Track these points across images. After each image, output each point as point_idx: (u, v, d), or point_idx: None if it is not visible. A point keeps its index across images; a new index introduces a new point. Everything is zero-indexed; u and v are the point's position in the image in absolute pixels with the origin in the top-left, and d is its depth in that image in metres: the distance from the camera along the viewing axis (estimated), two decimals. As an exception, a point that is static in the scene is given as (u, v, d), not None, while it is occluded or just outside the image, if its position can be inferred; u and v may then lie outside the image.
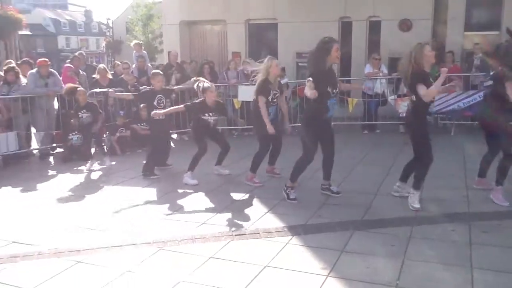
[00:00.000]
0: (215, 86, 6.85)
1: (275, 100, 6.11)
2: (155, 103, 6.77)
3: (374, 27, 12.21)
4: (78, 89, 7.99)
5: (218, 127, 6.93)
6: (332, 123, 5.63)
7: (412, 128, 5.12)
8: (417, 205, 4.92)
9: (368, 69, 10.15)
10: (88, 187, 6.62)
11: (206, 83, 6.43)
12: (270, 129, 5.91)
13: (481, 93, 9.10)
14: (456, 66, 10.05)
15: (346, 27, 12.50)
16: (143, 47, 12.58)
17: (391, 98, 9.78)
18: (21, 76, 8.54)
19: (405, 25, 11.72)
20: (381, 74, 9.98)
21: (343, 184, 6.04)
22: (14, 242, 4.54)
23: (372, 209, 5.13)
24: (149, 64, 11.66)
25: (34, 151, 8.85)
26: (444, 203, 5.16)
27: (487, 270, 3.63)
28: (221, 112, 6.70)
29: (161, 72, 7.34)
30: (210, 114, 6.35)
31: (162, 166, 7.21)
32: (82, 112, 8.06)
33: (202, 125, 6.36)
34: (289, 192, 5.45)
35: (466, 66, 10.58)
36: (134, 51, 11.73)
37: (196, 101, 6.49)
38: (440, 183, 5.82)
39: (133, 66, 10.71)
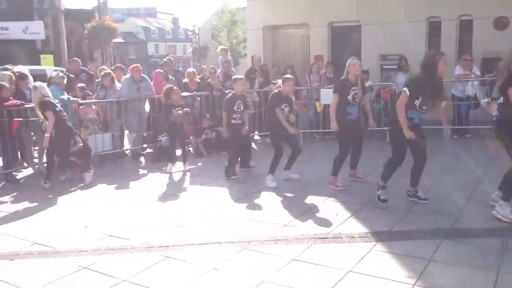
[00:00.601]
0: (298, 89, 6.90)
1: (356, 99, 6.03)
2: (235, 108, 7.00)
3: (465, 27, 11.56)
4: (174, 88, 8.30)
5: (296, 131, 6.92)
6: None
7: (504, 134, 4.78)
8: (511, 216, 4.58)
9: (458, 70, 9.64)
10: (176, 186, 6.94)
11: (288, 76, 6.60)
12: (334, 126, 6.02)
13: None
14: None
15: (434, 28, 11.96)
16: (228, 53, 12.92)
17: (484, 101, 9.18)
18: (115, 81, 9.15)
19: (501, 23, 10.95)
20: (472, 75, 9.44)
21: (431, 190, 5.80)
22: (110, 235, 4.88)
23: (462, 217, 4.87)
24: (233, 69, 11.96)
25: (127, 151, 9.43)
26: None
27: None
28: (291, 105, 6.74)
29: (243, 77, 7.50)
30: (286, 104, 6.46)
31: (245, 167, 7.37)
32: (176, 110, 8.26)
33: (279, 128, 6.43)
34: (380, 193, 5.36)
35: None
36: (220, 57, 12.08)
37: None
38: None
39: (219, 70, 11.04)
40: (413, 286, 3.48)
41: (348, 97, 5.98)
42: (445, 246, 4.15)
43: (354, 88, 5.99)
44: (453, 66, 10.25)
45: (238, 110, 7.06)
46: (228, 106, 7.08)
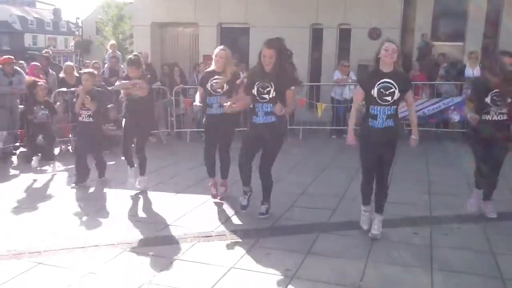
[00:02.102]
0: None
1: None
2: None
3: (344, 35, 12.41)
4: (39, 83, 7.74)
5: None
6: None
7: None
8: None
9: (337, 75, 10.30)
10: (50, 188, 6.46)
11: None
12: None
13: (446, 101, 9.40)
14: (422, 74, 10.30)
15: (317, 34, 12.66)
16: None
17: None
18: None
19: (375, 33, 11.95)
20: (350, 80, 10.14)
21: (311, 187, 6.10)
22: (-29, 243, 4.39)
23: (337, 211, 5.20)
24: (121, 65, 11.51)
25: (-4, 151, 8.57)
26: (406, 207, 5.27)
27: (446, 271, 3.73)
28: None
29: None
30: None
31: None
32: (41, 108, 7.74)
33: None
34: (241, 199, 5.18)
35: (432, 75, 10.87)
36: (109, 51, 11.65)
37: None
38: (404, 187, 5.95)
39: (106, 66, 10.60)
40: (291, 279, 3.63)
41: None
42: (321, 239, 4.39)
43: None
44: (333, 71, 10.97)
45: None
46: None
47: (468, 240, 4.36)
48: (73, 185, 6.34)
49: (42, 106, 7.68)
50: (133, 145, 6.19)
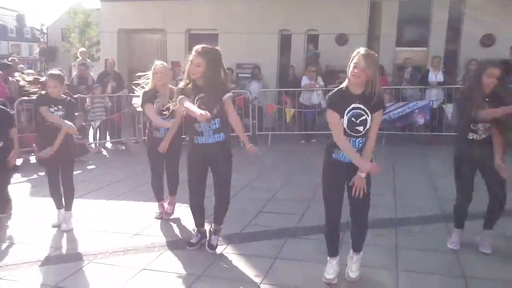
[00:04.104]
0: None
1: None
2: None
3: (312, 41, 12.57)
4: None
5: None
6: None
7: None
8: None
9: (305, 80, 10.40)
10: (16, 199, 6.27)
11: None
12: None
13: (410, 105, 9.63)
14: (384, 79, 10.48)
15: (285, 40, 12.78)
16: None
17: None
18: None
19: (342, 39, 12.15)
20: (317, 85, 10.26)
21: (280, 192, 6.13)
22: None
23: (306, 216, 5.23)
24: (91, 73, 11.34)
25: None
26: (372, 210, 5.29)
27: (411, 272, 3.81)
28: None
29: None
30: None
31: None
32: None
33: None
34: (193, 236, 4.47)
35: (397, 79, 11.12)
36: (79, 58, 11.47)
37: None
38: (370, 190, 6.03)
39: (74, 73, 10.43)
40: (260, 284, 3.63)
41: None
42: (290, 244, 4.41)
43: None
44: (301, 77, 11.08)
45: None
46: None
47: (432, 241, 4.46)
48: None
49: None
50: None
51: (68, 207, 5.03)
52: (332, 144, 3.49)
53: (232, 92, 4.23)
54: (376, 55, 3.37)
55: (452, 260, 4.05)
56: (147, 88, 4.95)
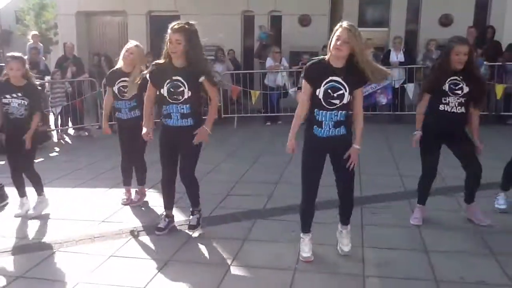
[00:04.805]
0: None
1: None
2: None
3: (276, 22, 12.55)
4: None
5: None
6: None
7: None
8: None
9: (269, 62, 10.40)
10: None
11: None
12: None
13: (373, 85, 9.77)
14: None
15: (248, 21, 12.70)
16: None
17: (291, 90, 10.12)
18: None
19: (305, 20, 12.18)
20: (282, 67, 10.28)
21: (247, 174, 6.16)
22: None
23: (273, 197, 5.30)
24: (43, 57, 10.93)
25: None
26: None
27: (376, 248, 3.93)
28: None
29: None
30: None
31: None
32: None
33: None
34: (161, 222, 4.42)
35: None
36: (30, 42, 10.98)
37: None
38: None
39: (26, 57, 9.98)
40: (229, 266, 3.66)
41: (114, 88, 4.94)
42: (258, 226, 4.46)
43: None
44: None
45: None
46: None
47: (396, 218, 4.61)
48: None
49: None
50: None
51: (38, 193, 4.93)
52: (311, 120, 3.51)
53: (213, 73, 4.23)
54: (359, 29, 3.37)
55: (414, 235, 4.20)
56: (115, 68, 4.88)
